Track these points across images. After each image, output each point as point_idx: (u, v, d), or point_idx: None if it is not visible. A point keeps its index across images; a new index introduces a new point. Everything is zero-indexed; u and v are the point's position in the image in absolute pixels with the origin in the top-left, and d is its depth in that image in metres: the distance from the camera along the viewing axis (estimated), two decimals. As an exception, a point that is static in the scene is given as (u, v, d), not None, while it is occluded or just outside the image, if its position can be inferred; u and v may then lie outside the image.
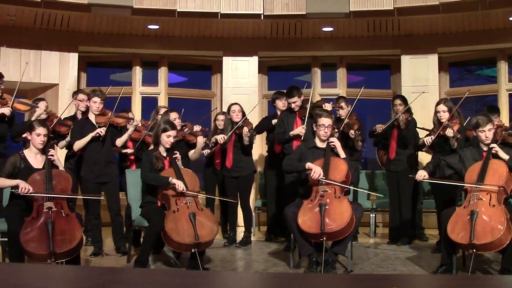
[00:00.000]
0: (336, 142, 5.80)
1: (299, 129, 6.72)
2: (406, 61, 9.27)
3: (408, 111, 7.13)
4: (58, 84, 8.98)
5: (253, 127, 7.31)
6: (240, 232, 7.43)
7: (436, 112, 6.61)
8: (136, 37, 9.30)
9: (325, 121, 5.80)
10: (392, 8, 8.36)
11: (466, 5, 8.25)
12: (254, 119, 7.76)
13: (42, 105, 6.69)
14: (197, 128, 7.17)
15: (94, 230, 6.52)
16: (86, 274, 2.49)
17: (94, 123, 6.49)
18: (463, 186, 5.38)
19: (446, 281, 2.61)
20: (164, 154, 5.85)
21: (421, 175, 5.53)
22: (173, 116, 6.77)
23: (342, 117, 7.24)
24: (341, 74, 9.78)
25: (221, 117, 7.51)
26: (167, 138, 5.81)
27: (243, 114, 7.23)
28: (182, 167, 5.89)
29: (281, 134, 6.93)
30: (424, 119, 7.39)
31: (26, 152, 5.40)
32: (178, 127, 6.76)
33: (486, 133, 5.51)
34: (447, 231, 5.13)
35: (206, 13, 8.68)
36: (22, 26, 8.71)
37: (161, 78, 9.74)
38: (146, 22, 8.99)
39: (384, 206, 8.04)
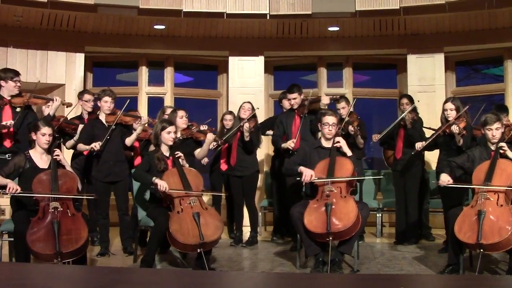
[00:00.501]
0: (341, 141, 5.79)
1: (289, 143, 6.75)
2: (412, 60, 9.25)
3: (414, 110, 7.12)
4: (65, 84, 9.00)
5: (258, 125, 7.29)
6: (246, 232, 7.43)
7: (443, 110, 6.60)
8: (142, 37, 9.31)
9: (329, 119, 5.79)
10: (398, 7, 8.33)
11: (472, 4, 8.22)
12: (260, 119, 7.76)
13: (55, 98, 6.67)
14: (203, 127, 7.17)
15: (101, 230, 6.53)
16: (92, 274, 2.49)
17: (104, 122, 6.51)
18: (477, 187, 5.31)
19: (453, 281, 2.60)
20: (167, 154, 5.85)
21: (445, 180, 5.38)
22: (181, 114, 6.76)
23: (343, 116, 7.22)
24: (347, 73, 9.76)
25: (228, 116, 7.51)
26: (168, 135, 5.81)
27: (252, 113, 7.21)
28: (187, 165, 5.89)
29: (278, 138, 7.02)
30: (430, 119, 7.37)
31: (31, 152, 5.42)
32: (185, 126, 6.77)
33: (494, 131, 5.48)
34: (454, 230, 5.11)
35: (212, 13, 8.68)
36: (29, 26, 8.74)
37: (167, 78, 9.75)
38: (152, 22, 9.00)
39: (391, 206, 8.02)
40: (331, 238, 5.24)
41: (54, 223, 4.94)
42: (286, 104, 7.43)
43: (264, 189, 8.96)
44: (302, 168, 5.62)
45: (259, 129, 7.32)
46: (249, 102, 7.34)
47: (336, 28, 9.20)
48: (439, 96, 8.76)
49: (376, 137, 7.21)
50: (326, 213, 5.30)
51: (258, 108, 7.36)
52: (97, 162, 6.50)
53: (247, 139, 7.04)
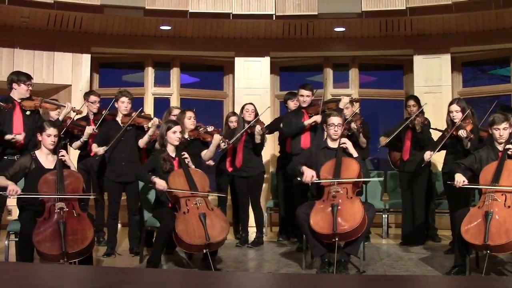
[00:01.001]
0: (347, 142, 5.79)
1: (317, 117, 6.73)
2: (419, 61, 9.23)
3: (422, 112, 7.10)
4: (71, 85, 9.03)
5: (265, 127, 7.30)
6: (252, 233, 7.42)
7: (449, 112, 6.58)
8: (148, 38, 9.33)
9: (335, 119, 5.79)
10: (404, 7, 8.31)
11: (479, 4, 8.20)
12: (266, 119, 7.75)
13: (68, 104, 6.72)
14: (210, 129, 7.17)
15: (109, 230, 6.55)
16: (98, 274, 2.49)
17: (120, 124, 6.53)
18: (486, 188, 5.28)
19: (459, 283, 2.59)
20: (173, 155, 5.85)
21: (461, 181, 5.35)
22: (189, 114, 6.77)
23: (347, 117, 7.21)
24: (353, 74, 9.75)
25: (233, 118, 7.51)
26: (174, 135, 5.82)
27: (256, 114, 7.21)
28: (193, 166, 5.89)
29: (292, 124, 6.90)
30: (436, 120, 7.35)
31: (37, 152, 5.45)
32: (193, 127, 6.78)
33: (501, 131, 5.48)
34: (460, 231, 5.09)
35: (218, 14, 8.69)
36: (35, 27, 8.78)
37: (173, 79, 9.76)
38: (158, 23, 9.01)
39: (397, 207, 8.00)
40: (337, 239, 5.24)
41: (60, 223, 4.96)
42: (291, 104, 7.43)
43: (270, 190, 8.95)
44: (304, 168, 5.62)
45: (266, 132, 7.31)
46: (251, 104, 7.31)
47: (342, 29, 9.19)
48: (445, 97, 8.74)
49: (384, 141, 7.18)
50: (332, 214, 5.30)
51: (269, 107, 7.33)
52: (110, 163, 6.55)
53: (258, 141, 7.03)
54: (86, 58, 9.15)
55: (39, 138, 5.44)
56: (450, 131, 6.45)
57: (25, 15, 8.41)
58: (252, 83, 9.47)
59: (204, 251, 5.35)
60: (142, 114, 6.79)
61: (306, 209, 5.53)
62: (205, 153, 6.74)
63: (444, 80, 9.11)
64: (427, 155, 6.52)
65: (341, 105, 6.80)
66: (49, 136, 5.39)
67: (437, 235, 7.54)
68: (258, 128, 6.94)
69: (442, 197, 7.73)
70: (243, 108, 7.29)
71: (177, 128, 5.85)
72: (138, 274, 2.44)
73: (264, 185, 7.71)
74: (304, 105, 6.92)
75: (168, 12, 8.53)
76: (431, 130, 7.18)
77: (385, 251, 6.86)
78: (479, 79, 9.85)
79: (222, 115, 9.56)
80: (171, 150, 5.86)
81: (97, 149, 6.40)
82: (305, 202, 5.81)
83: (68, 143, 6.52)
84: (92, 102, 7.12)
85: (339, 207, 5.34)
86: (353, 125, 6.97)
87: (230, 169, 7.38)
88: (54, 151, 5.43)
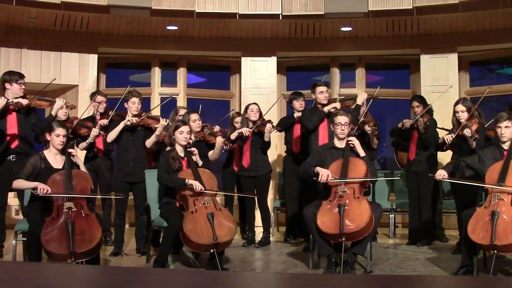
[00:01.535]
0: (355, 141, 5.78)
1: (336, 104, 6.79)
2: (426, 60, 9.21)
3: (428, 112, 7.07)
4: (78, 85, 9.05)
5: (276, 125, 7.31)
6: (259, 233, 7.43)
7: (454, 112, 6.55)
8: (155, 38, 9.34)
9: (342, 119, 5.78)
10: (411, 7, 8.29)
11: (486, 3, 8.17)
12: (273, 119, 7.74)
13: (58, 99, 6.59)
14: (216, 128, 7.18)
15: (116, 230, 6.56)
16: (106, 274, 2.50)
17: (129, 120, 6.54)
18: (483, 186, 5.32)
19: (466, 283, 2.58)
20: (182, 154, 5.86)
21: (441, 174, 5.48)
22: (194, 117, 6.77)
23: (358, 116, 7.19)
24: (360, 74, 9.75)
25: (239, 118, 7.51)
26: (181, 135, 5.83)
27: (261, 114, 7.21)
28: (201, 162, 5.90)
29: (312, 117, 6.84)
30: (443, 119, 7.32)
31: (46, 152, 5.46)
32: (199, 128, 6.78)
33: (502, 129, 5.47)
34: (467, 231, 5.08)
35: (225, 14, 8.69)
36: (43, 28, 8.81)
37: (180, 79, 9.78)
38: (165, 23, 9.03)
39: (404, 207, 7.98)
40: (344, 239, 5.24)
41: (68, 223, 4.98)
42: (296, 104, 7.41)
43: (277, 190, 8.95)
44: (318, 169, 5.60)
45: (277, 128, 7.31)
46: (255, 104, 7.30)
47: (349, 28, 9.18)
48: (452, 96, 8.70)
49: (407, 122, 7.04)
50: (339, 214, 5.30)
51: (275, 103, 7.34)
52: (118, 162, 6.57)
53: (267, 139, 7.05)
54: (93, 58, 9.17)
55: (48, 138, 5.45)
56: (456, 131, 6.43)
57: (33, 16, 8.44)
58: (259, 83, 9.47)
59: (211, 251, 5.37)
60: (151, 115, 6.80)
61: (313, 209, 5.53)
62: (211, 155, 6.76)
63: (451, 80, 9.08)
64: (449, 136, 6.49)
65: (358, 102, 6.81)
66: (58, 136, 5.40)
67: (444, 235, 7.53)
68: (269, 126, 6.95)
69: (449, 197, 7.71)
70: (247, 108, 7.27)
71: (184, 128, 5.86)
72: (145, 274, 2.44)
73: (270, 184, 7.70)
74: (325, 101, 6.89)
75: (174, 12, 8.55)
76: (438, 129, 7.16)
77: (392, 251, 6.86)
78: (486, 78, 9.82)
79: (228, 116, 9.56)
80: (179, 150, 5.87)
81: (102, 121, 6.55)
82: (312, 202, 5.81)
83: (75, 144, 6.53)
84: (98, 102, 7.13)
85: (346, 207, 5.34)
86: (367, 127, 6.96)
87: (236, 169, 7.38)
88: (63, 151, 5.45)
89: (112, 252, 6.47)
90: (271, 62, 9.53)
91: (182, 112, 7.09)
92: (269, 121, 7.09)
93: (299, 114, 7.32)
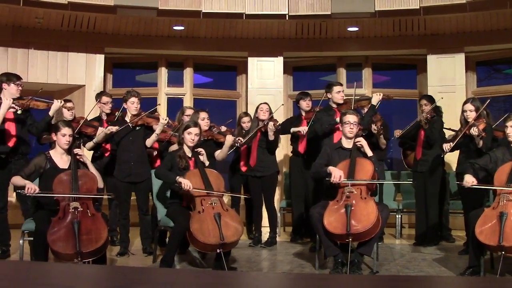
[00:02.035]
0: (362, 141, 5.77)
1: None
2: (433, 60, 9.18)
3: (437, 113, 7.05)
4: (85, 85, 9.07)
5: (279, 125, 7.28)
6: (266, 233, 7.42)
7: (463, 111, 6.53)
8: (161, 38, 9.35)
9: (350, 118, 5.77)
10: (418, 7, 8.27)
11: (494, 3, 8.14)
12: (279, 119, 7.74)
13: (55, 100, 6.55)
14: (223, 129, 7.18)
15: (121, 230, 6.57)
16: (112, 274, 2.49)
17: (129, 124, 6.54)
18: (499, 189, 5.25)
19: (473, 284, 2.57)
20: (189, 155, 5.86)
21: (470, 181, 5.31)
22: (203, 115, 6.77)
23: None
24: (367, 74, 9.73)
25: (246, 118, 7.49)
26: (188, 136, 5.83)
27: (271, 114, 7.20)
28: (207, 162, 5.90)
29: (324, 122, 6.72)
30: (450, 119, 7.30)
31: (52, 152, 5.47)
32: (207, 127, 6.78)
33: (509, 129, 5.45)
34: (475, 232, 5.06)
35: (231, 14, 8.69)
36: (50, 28, 8.83)
37: (187, 79, 9.78)
38: (172, 23, 9.03)
39: (410, 207, 7.96)
40: (350, 239, 5.23)
41: (74, 223, 4.98)
42: (303, 104, 7.40)
43: (283, 190, 8.94)
44: (331, 168, 5.57)
45: (280, 129, 7.29)
46: (266, 103, 7.30)
47: (356, 28, 9.16)
48: (459, 96, 8.68)
49: (398, 133, 7.17)
50: (346, 214, 5.29)
51: (283, 104, 7.32)
52: (119, 162, 6.55)
53: (271, 138, 7.01)
54: (99, 59, 9.18)
55: (54, 137, 5.46)
56: (463, 130, 6.41)
57: (39, 16, 8.47)
58: (265, 83, 9.47)
59: (218, 251, 5.36)
60: (150, 114, 6.79)
61: (320, 209, 5.52)
62: (218, 154, 6.72)
63: (458, 80, 9.06)
64: (447, 145, 6.45)
65: (373, 102, 6.76)
66: (64, 136, 5.40)
67: (451, 236, 7.50)
68: (271, 124, 6.94)
69: (456, 197, 7.68)
70: (258, 107, 7.28)
71: (193, 130, 5.84)
72: (152, 274, 2.44)
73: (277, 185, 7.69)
74: (341, 101, 6.84)
75: (181, 12, 8.55)
76: (445, 130, 7.14)
77: (399, 251, 6.84)
78: (493, 78, 9.78)
79: (235, 115, 9.56)
80: (187, 150, 5.87)
81: (109, 128, 6.44)
82: (318, 202, 5.80)
83: (82, 143, 6.54)
84: (104, 103, 7.14)
85: (353, 208, 5.32)
86: (374, 127, 6.94)
87: (244, 169, 7.37)
88: (69, 151, 5.46)
89: (119, 252, 6.48)
90: (277, 62, 9.53)
91: (188, 112, 7.09)
92: (271, 119, 7.07)
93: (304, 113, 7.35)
